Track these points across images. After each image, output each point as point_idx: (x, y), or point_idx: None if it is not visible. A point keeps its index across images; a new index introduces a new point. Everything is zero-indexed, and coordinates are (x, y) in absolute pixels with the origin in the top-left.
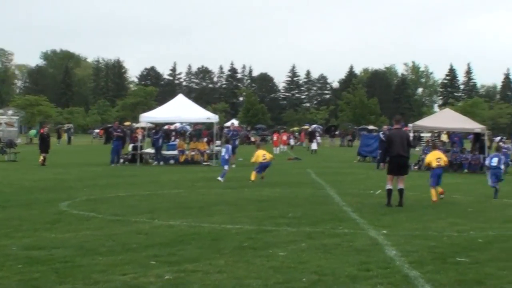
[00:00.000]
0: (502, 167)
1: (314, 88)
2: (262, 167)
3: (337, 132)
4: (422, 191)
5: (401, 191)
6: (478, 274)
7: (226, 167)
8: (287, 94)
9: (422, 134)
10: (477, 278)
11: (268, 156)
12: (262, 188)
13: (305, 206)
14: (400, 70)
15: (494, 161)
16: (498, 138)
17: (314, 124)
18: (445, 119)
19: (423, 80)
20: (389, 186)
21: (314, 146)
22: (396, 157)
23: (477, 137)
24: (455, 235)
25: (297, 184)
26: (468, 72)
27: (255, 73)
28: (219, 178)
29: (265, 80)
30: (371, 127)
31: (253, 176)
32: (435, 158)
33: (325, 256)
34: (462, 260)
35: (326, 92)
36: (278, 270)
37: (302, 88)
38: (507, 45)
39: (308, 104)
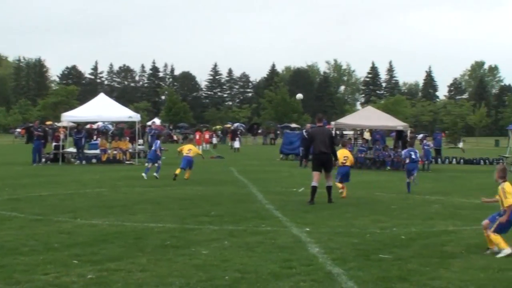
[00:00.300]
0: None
1: (236, 87)
2: (185, 161)
3: (260, 130)
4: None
5: (328, 188)
6: (401, 271)
7: (159, 162)
8: (209, 92)
9: (345, 132)
10: (400, 275)
11: (194, 151)
12: (184, 187)
13: (227, 204)
14: (322, 68)
15: (412, 155)
16: (420, 136)
17: (236, 122)
18: (368, 116)
19: (345, 78)
20: (313, 184)
21: (236, 144)
22: (318, 154)
23: (400, 134)
24: (378, 232)
25: (220, 182)
26: (390, 70)
27: (177, 72)
28: (155, 174)
29: (187, 78)
30: (293, 125)
31: (177, 170)
32: (342, 156)
33: (248, 254)
34: (385, 256)
35: (248, 90)
36: (200, 268)
37: (224, 87)
38: (429, 43)
39: (230, 103)
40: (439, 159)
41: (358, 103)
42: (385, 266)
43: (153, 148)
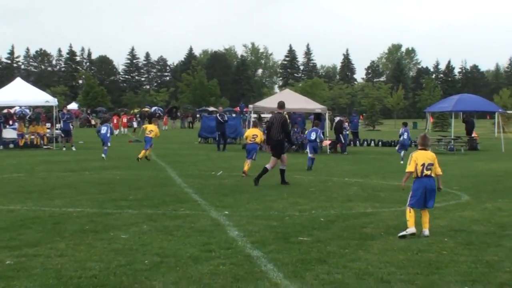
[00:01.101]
0: (318, 140)
1: (154, 70)
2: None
3: (178, 114)
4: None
5: (281, 171)
6: (320, 253)
7: (108, 145)
8: (127, 76)
9: (262, 115)
10: (319, 257)
11: (155, 132)
12: (103, 171)
13: (146, 188)
14: (240, 51)
15: (312, 135)
16: (338, 118)
17: (154, 106)
18: (285, 99)
19: (263, 61)
20: (268, 166)
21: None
22: (273, 140)
23: (318, 117)
24: (297, 215)
25: (138, 166)
26: (308, 53)
27: (94, 56)
28: (102, 155)
29: (104, 62)
30: (211, 108)
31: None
32: (251, 134)
33: (167, 238)
34: (304, 239)
35: (166, 74)
36: (120, 253)
37: (142, 71)
38: (346, 26)
39: (148, 86)
40: (357, 142)
41: (276, 86)
42: (304, 248)
43: (103, 132)
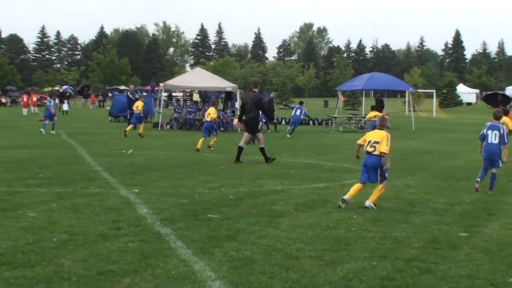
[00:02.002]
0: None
1: (65, 49)
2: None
3: (90, 92)
4: (173, 150)
5: (261, 150)
6: (229, 230)
7: (55, 119)
8: (37, 55)
9: (174, 94)
10: (228, 234)
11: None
12: (11, 150)
13: (55, 166)
14: (151, 30)
15: (297, 112)
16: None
17: (65, 85)
18: (197, 78)
19: (174, 40)
20: (241, 144)
21: (65, 107)
22: (247, 117)
23: (229, 95)
24: (206, 192)
25: (47, 145)
26: (219, 32)
27: (4, 35)
28: (52, 132)
29: (14, 41)
30: (122, 87)
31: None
32: (207, 113)
33: (76, 216)
34: (214, 216)
35: (77, 53)
36: (28, 231)
37: (53, 49)
38: (257, 4)
39: (58, 65)
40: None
41: (187, 65)
42: (213, 225)
43: (47, 107)
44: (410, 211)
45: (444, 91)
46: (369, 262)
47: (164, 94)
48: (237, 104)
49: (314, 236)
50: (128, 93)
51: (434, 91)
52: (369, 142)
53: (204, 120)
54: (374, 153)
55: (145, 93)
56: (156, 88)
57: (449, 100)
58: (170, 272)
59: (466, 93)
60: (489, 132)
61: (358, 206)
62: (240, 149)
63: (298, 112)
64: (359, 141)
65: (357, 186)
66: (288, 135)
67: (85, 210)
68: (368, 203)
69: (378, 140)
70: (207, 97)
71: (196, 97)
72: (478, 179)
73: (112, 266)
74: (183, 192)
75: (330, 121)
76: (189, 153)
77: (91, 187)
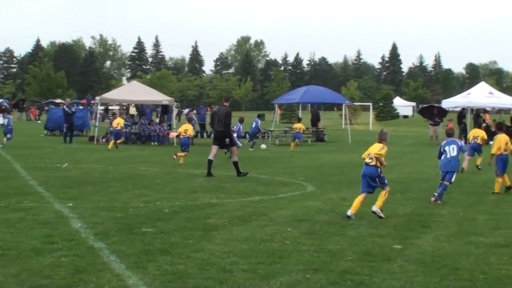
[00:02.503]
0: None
1: (0, 62)
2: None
3: (25, 105)
4: (108, 163)
5: (234, 163)
6: (164, 244)
7: (9, 136)
8: None
9: (110, 107)
10: (162, 248)
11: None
12: None
13: None
14: (88, 43)
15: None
16: (186, 110)
17: (0, 98)
18: (133, 91)
19: (111, 53)
20: (210, 157)
21: (0, 120)
22: (215, 132)
23: (165, 109)
24: (141, 206)
25: None
26: (156, 45)
27: None
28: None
29: None
30: (58, 100)
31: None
32: (183, 129)
33: (9, 230)
34: (148, 230)
35: (13, 65)
36: None
37: None
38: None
39: None
40: (204, 134)
41: (124, 78)
42: (148, 239)
43: (5, 123)
44: (345, 224)
45: (381, 104)
46: (303, 275)
47: (101, 107)
48: (173, 118)
49: (249, 250)
50: (64, 106)
51: (370, 104)
52: (369, 154)
53: (181, 136)
54: (371, 164)
55: (81, 107)
56: (92, 102)
57: (386, 113)
58: (103, 286)
59: (402, 106)
60: (447, 147)
61: (293, 219)
62: (210, 162)
63: (253, 125)
64: (364, 155)
65: (359, 198)
66: (250, 148)
67: (19, 224)
68: (375, 208)
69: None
70: (143, 110)
71: (132, 110)
72: (435, 194)
73: (44, 281)
74: (118, 206)
75: (266, 134)
76: (125, 167)
77: (26, 201)
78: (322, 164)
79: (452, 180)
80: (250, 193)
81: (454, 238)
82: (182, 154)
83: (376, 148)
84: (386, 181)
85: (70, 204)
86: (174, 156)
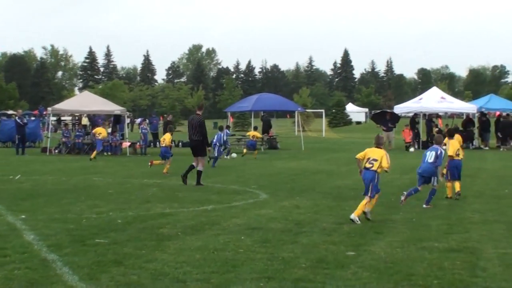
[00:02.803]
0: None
1: None
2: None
3: None
4: (61, 175)
5: (198, 172)
6: (117, 255)
7: None
8: None
9: (62, 118)
10: (115, 259)
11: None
12: None
13: None
14: (39, 53)
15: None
16: (139, 120)
17: None
18: (85, 101)
19: (62, 63)
20: (198, 168)
21: None
22: (190, 140)
23: (117, 119)
24: (94, 217)
25: None
26: (108, 55)
27: None
28: None
29: None
30: (10, 112)
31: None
32: (162, 139)
33: None
34: (101, 241)
35: None
36: None
37: None
38: (147, 27)
39: None
40: (157, 143)
41: (76, 89)
42: (100, 250)
43: None
44: (298, 231)
45: (334, 110)
46: (257, 283)
47: (53, 118)
48: (126, 127)
49: (202, 259)
50: (16, 118)
51: (323, 110)
52: (368, 159)
53: (160, 145)
54: (371, 168)
55: (33, 118)
56: (44, 113)
57: (339, 120)
58: None
59: (355, 112)
60: (428, 152)
61: (246, 227)
62: (191, 166)
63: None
64: (358, 156)
65: (363, 202)
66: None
67: None
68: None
69: (376, 158)
70: (95, 120)
71: (85, 121)
72: (404, 193)
73: None
74: (71, 218)
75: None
76: (78, 178)
77: None
78: (275, 172)
79: (438, 183)
80: (203, 202)
81: (407, 244)
82: (157, 162)
83: (378, 155)
84: (377, 190)
85: (23, 216)
86: (150, 164)
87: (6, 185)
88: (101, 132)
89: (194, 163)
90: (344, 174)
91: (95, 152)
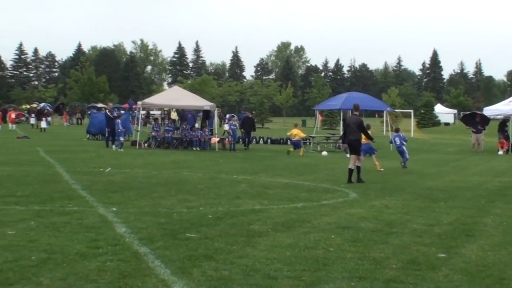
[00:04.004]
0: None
1: (42, 66)
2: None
3: (67, 110)
4: (152, 168)
5: (357, 168)
6: (208, 249)
7: None
8: (15, 72)
9: (151, 112)
10: (206, 253)
11: None
12: None
13: (34, 184)
14: (129, 48)
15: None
16: (229, 116)
17: (43, 102)
18: (174, 96)
19: (152, 58)
20: (350, 166)
21: (43, 124)
22: (348, 140)
23: (207, 114)
24: (185, 212)
25: (26, 162)
26: (197, 50)
27: None
28: None
29: None
30: (100, 105)
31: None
32: None
33: (55, 234)
34: (192, 236)
35: (55, 70)
36: (7, 249)
37: (30, 66)
38: (235, 23)
39: (36, 82)
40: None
41: (165, 83)
42: (192, 245)
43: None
44: (388, 231)
45: (422, 111)
46: (348, 282)
47: (142, 112)
48: (215, 123)
49: (293, 256)
50: (107, 111)
51: (412, 111)
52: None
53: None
54: None
55: (123, 111)
56: (134, 106)
57: (427, 120)
58: None
59: (444, 113)
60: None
61: (336, 226)
62: (350, 171)
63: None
64: None
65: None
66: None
67: (64, 228)
68: None
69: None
70: (185, 115)
71: (174, 115)
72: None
73: (90, 285)
74: (162, 211)
75: (308, 141)
76: (168, 172)
77: (70, 205)
78: (365, 171)
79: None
80: (293, 200)
81: (498, 248)
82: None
83: None
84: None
85: (114, 209)
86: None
87: (97, 178)
88: (295, 133)
89: (350, 166)
90: (434, 175)
91: (302, 150)
